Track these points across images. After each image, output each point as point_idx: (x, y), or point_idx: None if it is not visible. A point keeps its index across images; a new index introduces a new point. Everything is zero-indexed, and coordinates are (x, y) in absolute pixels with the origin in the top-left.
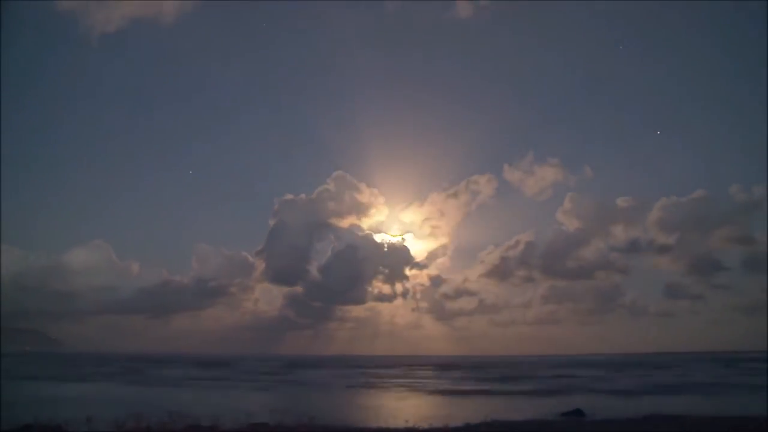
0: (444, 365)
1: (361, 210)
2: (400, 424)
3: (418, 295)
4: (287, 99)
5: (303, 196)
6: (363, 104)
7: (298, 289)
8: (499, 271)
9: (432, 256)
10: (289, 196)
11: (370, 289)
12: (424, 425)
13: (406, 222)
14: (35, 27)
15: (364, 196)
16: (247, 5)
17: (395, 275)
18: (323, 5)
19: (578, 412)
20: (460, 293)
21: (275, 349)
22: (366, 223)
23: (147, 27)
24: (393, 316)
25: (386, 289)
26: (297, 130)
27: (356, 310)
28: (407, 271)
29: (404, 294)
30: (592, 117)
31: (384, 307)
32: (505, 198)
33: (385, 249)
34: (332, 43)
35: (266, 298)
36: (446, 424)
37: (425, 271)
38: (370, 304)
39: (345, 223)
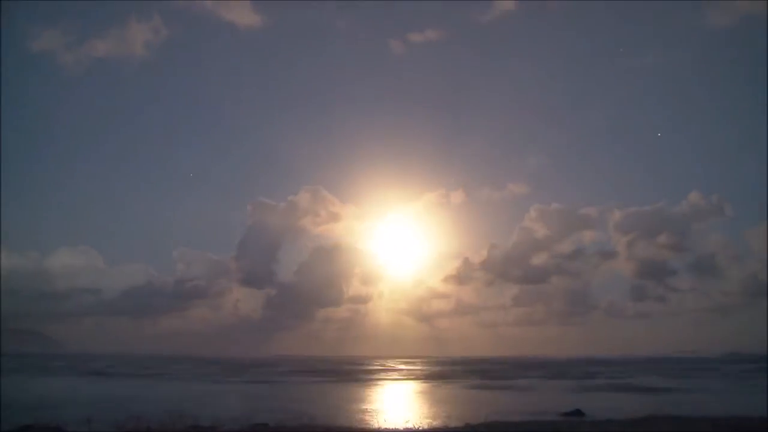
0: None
1: (333, 219)
2: (400, 424)
3: (396, 296)
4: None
5: (277, 203)
6: (339, 122)
7: (270, 291)
8: (465, 276)
9: (404, 261)
10: (263, 199)
11: (344, 291)
12: (424, 425)
13: (381, 230)
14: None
15: (336, 207)
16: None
17: (368, 279)
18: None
19: (578, 412)
20: (434, 296)
21: (253, 350)
22: (338, 231)
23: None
24: (369, 317)
25: (361, 291)
26: (274, 146)
27: (332, 312)
28: (379, 275)
29: (378, 296)
30: (563, 133)
31: (360, 309)
32: (473, 208)
33: (358, 254)
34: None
35: (241, 300)
36: (446, 424)
37: (399, 275)
38: (347, 306)
39: (319, 230)
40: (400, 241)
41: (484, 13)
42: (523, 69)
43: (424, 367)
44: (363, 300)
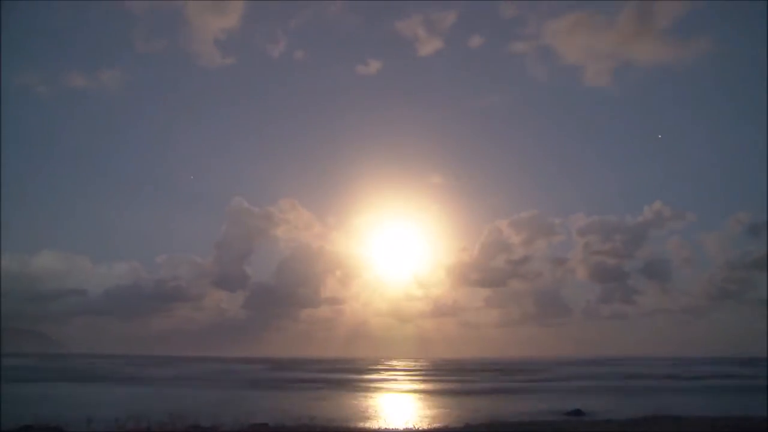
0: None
1: (307, 228)
2: (400, 424)
3: (375, 296)
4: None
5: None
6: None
7: (245, 293)
8: (440, 278)
9: (381, 265)
10: (239, 200)
11: (321, 293)
12: (424, 426)
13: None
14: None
15: (308, 217)
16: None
17: (343, 281)
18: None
19: (578, 412)
20: (410, 298)
21: (236, 350)
22: (312, 237)
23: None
24: (346, 318)
25: (337, 293)
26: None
27: (309, 314)
28: (355, 278)
29: (354, 298)
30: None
31: (336, 310)
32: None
33: (333, 258)
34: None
35: (221, 301)
36: (446, 425)
37: (371, 278)
38: (323, 307)
39: (294, 235)
40: (375, 247)
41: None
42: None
43: (402, 369)
44: (339, 302)
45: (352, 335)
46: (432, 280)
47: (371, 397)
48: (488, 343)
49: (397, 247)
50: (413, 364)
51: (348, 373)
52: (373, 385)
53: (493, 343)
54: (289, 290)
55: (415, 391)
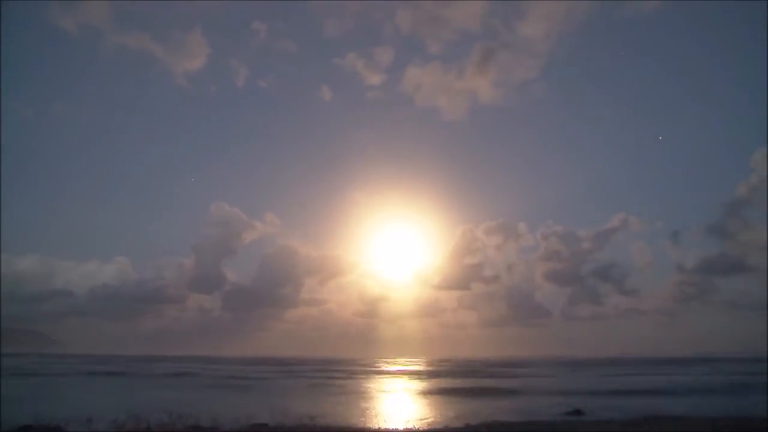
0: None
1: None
2: (400, 424)
3: (355, 298)
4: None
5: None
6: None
7: (222, 294)
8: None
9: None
10: (221, 205)
11: (301, 294)
12: (424, 426)
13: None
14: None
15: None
16: None
17: (324, 283)
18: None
19: (578, 412)
20: (389, 300)
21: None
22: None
23: None
24: (327, 319)
25: (317, 294)
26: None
27: (291, 314)
28: (334, 280)
29: (334, 299)
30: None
31: (319, 311)
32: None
33: (312, 260)
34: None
35: (200, 302)
36: (446, 425)
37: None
38: (302, 308)
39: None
40: (355, 251)
41: None
42: None
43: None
44: (319, 303)
45: (333, 335)
46: (411, 282)
47: (370, 398)
48: (469, 344)
49: (377, 250)
50: (404, 363)
51: (346, 372)
52: (370, 385)
53: (474, 343)
54: (271, 292)
55: (413, 391)
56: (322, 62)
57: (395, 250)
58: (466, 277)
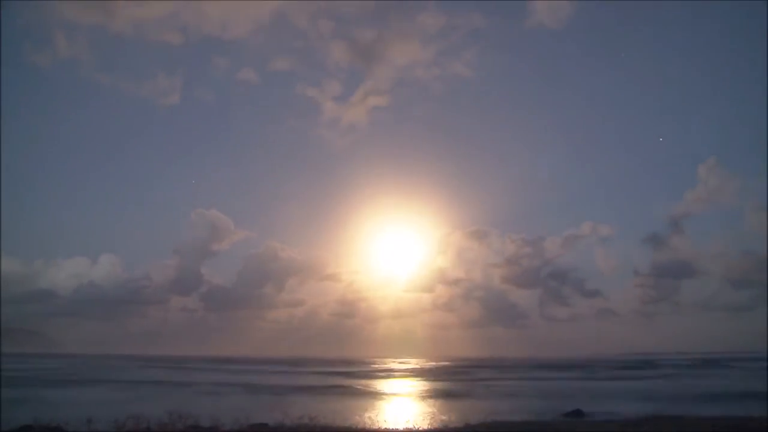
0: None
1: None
2: (400, 425)
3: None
4: None
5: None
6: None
7: (200, 296)
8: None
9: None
10: (203, 210)
11: (280, 295)
12: (424, 426)
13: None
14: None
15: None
16: None
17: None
18: None
19: (578, 413)
20: (371, 300)
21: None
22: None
23: None
24: (304, 319)
25: (297, 295)
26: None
27: (269, 315)
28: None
29: (315, 301)
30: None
31: (295, 312)
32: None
33: (294, 263)
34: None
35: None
36: (446, 425)
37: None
38: (283, 309)
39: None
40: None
41: None
42: None
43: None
44: (297, 303)
45: (314, 336)
46: (391, 284)
47: (369, 397)
48: (450, 343)
49: (358, 254)
50: (394, 363)
51: (342, 373)
52: (367, 384)
53: (456, 343)
54: (251, 293)
55: (411, 391)
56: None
57: (376, 253)
58: (439, 280)
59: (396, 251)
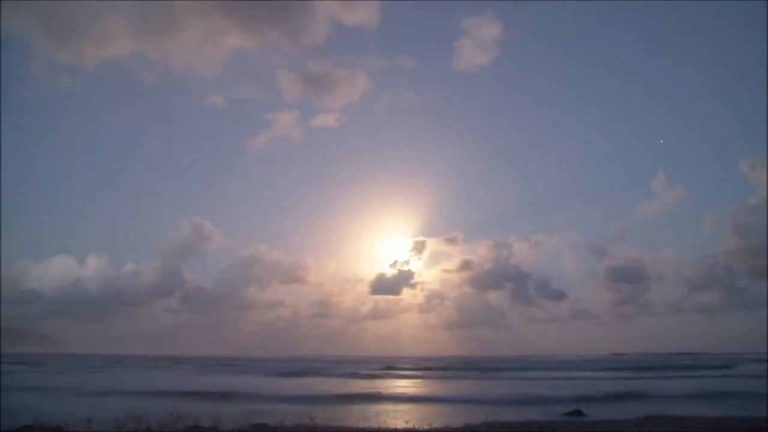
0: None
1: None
2: (400, 424)
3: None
4: None
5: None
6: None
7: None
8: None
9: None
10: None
11: (262, 296)
12: (424, 426)
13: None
14: None
15: None
16: None
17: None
18: None
19: (578, 413)
20: (349, 301)
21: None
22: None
23: None
24: (297, 320)
25: (279, 296)
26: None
27: (251, 315)
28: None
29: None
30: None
31: (276, 313)
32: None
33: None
34: None
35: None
36: (446, 425)
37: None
38: (266, 309)
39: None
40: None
41: None
42: None
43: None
44: (279, 305)
45: (299, 336)
46: (370, 286)
47: (368, 398)
48: (434, 343)
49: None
50: (385, 362)
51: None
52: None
53: (440, 343)
54: (233, 294)
55: (408, 391)
56: None
57: (352, 257)
58: (406, 283)
59: (372, 255)
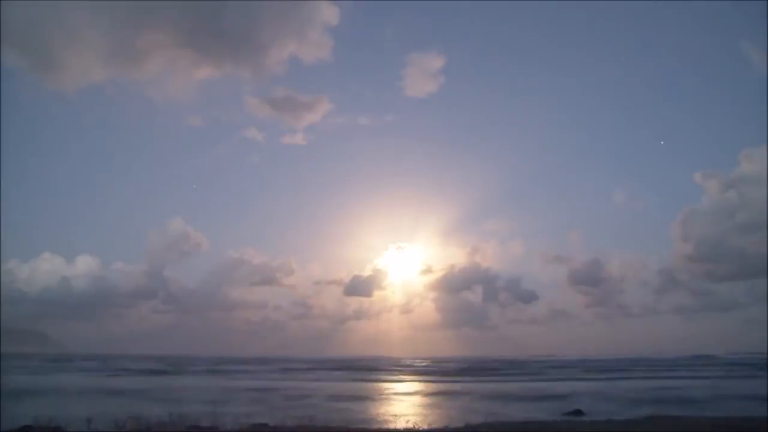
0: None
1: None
2: (400, 424)
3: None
4: None
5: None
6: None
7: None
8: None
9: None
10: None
11: (246, 297)
12: (424, 425)
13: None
14: None
15: None
16: None
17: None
18: None
19: (578, 412)
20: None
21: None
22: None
23: None
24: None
25: (262, 297)
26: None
27: (235, 315)
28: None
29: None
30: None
31: (260, 313)
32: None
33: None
34: None
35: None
36: (446, 425)
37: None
38: (253, 310)
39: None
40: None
41: None
42: None
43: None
44: (261, 305)
45: (287, 336)
46: (351, 288)
47: (367, 397)
48: (424, 344)
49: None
50: (379, 362)
51: (338, 372)
52: (362, 384)
53: (429, 343)
54: (218, 295)
55: (407, 391)
56: None
57: (336, 260)
58: (377, 286)
59: (358, 258)
